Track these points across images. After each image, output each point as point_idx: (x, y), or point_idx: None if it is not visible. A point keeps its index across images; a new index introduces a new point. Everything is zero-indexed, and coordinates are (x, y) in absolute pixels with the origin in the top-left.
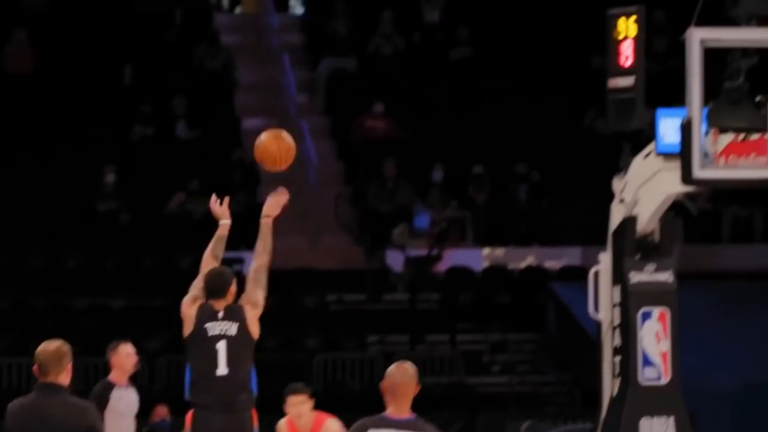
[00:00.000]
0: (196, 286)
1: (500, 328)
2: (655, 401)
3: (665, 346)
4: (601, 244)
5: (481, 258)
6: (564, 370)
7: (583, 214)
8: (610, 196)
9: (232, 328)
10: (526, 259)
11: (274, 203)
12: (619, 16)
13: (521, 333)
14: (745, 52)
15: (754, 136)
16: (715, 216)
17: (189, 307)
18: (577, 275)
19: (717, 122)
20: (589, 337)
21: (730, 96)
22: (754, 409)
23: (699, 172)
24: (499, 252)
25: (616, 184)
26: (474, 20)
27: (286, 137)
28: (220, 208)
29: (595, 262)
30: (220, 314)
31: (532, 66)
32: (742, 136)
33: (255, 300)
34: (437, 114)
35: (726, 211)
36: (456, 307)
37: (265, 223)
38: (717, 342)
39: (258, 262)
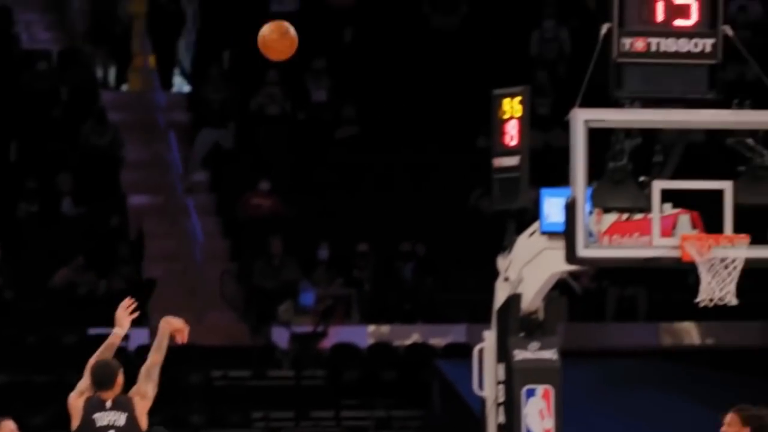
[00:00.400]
0: (83, 383)
1: (385, 405)
2: None
3: (549, 423)
4: (486, 321)
5: (366, 335)
6: None
7: (468, 291)
8: (494, 274)
9: (120, 419)
10: (412, 336)
11: (178, 323)
12: (504, 97)
13: (406, 410)
14: (628, 132)
15: (638, 216)
16: (599, 295)
17: (76, 400)
18: (462, 352)
19: (601, 202)
20: (474, 414)
21: (613, 176)
22: None
23: (583, 251)
24: (385, 329)
25: (501, 262)
26: (360, 99)
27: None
28: (124, 315)
29: (480, 339)
30: (108, 404)
31: (418, 145)
32: (625, 215)
33: (144, 392)
34: (323, 192)
35: (610, 290)
36: (341, 384)
37: (163, 326)
38: (601, 420)
39: (151, 359)
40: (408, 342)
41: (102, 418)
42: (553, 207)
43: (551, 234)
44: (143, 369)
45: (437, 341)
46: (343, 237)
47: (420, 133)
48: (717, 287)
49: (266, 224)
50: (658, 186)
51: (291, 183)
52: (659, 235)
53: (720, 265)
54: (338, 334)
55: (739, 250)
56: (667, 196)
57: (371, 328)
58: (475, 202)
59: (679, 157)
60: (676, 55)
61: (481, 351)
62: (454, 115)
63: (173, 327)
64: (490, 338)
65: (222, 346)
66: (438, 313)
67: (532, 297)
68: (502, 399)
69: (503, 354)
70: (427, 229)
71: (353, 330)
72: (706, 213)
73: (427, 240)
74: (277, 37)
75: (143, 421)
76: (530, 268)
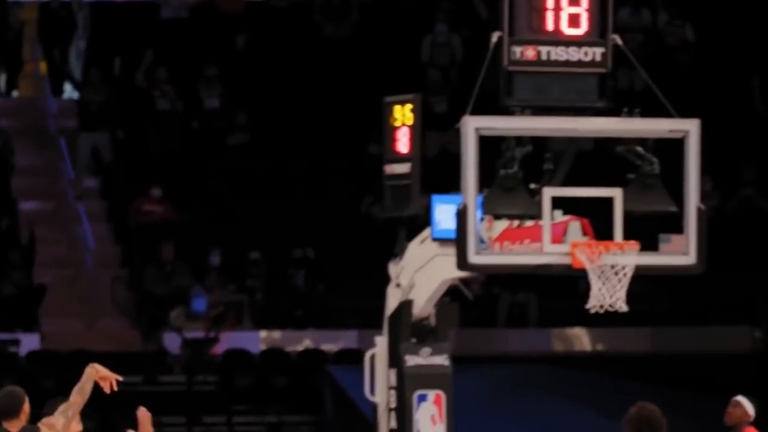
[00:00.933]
0: None
1: (277, 410)
2: None
3: (441, 429)
4: (378, 327)
5: (258, 341)
6: None
7: (360, 297)
8: (386, 281)
9: None
10: (303, 342)
11: (104, 371)
12: (395, 104)
13: (298, 415)
14: (519, 140)
15: (528, 223)
16: (490, 301)
17: None
18: (353, 358)
19: (492, 209)
20: (365, 420)
21: (504, 183)
22: None
23: (474, 258)
24: (277, 335)
25: (393, 268)
26: (252, 106)
27: None
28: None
29: (372, 345)
30: None
31: (310, 152)
32: (516, 222)
33: (52, 424)
34: (215, 198)
35: (501, 296)
36: (233, 390)
37: (89, 371)
38: (492, 425)
39: (72, 399)
40: (300, 348)
41: None
42: (444, 214)
43: (442, 240)
44: (62, 405)
45: (329, 347)
46: (234, 243)
47: (312, 140)
48: (607, 294)
49: (158, 230)
50: (549, 193)
51: (183, 189)
52: (550, 241)
53: (610, 271)
54: (230, 339)
55: (628, 257)
56: (558, 203)
57: (263, 333)
58: (367, 208)
59: (570, 164)
60: (566, 63)
61: (372, 357)
62: (345, 122)
63: (99, 375)
64: (381, 344)
65: (113, 351)
66: (330, 319)
67: (423, 303)
68: (393, 404)
69: (395, 360)
70: (318, 235)
71: (245, 336)
72: (597, 220)
73: (319, 246)
74: None
75: None
76: (422, 274)
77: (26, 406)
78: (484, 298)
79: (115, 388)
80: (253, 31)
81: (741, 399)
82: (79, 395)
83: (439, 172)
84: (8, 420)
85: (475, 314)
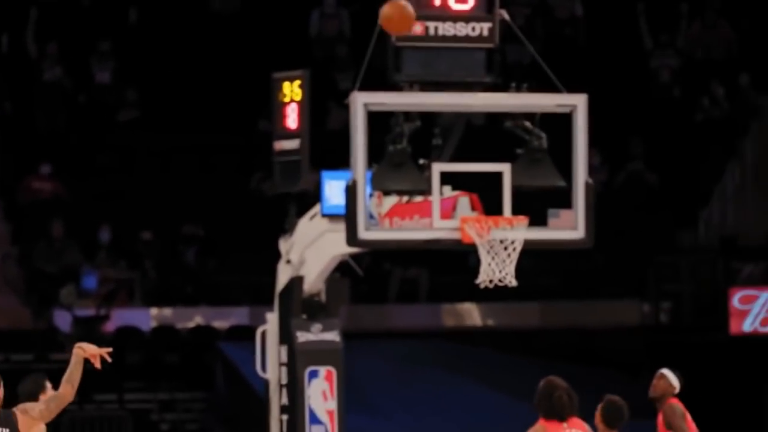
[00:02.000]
0: None
1: (169, 387)
2: None
3: (332, 404)
4: (269, 303)
5: (149, 318)
6: (233, 429)
7: (250, 274)
8: (277, 257)
9: None
10: (194, 319)
11: (95, 350)
12: (283, 80)
13: (190, 392)
14: (408, 115)
15: (418, 199)
16: (381, 277)
17: None
18: (245, 335)
19: (381, 185)
20: (257, 396)
21: (393, 159)
22: None
23: (364, 234)
24: (167, 312)
25: (283, 245)
26: (143, 82)
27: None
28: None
29: (263, 321)
30: None
31: (200, 128)
32: (406, 198)
33: (27, 409)
34: (104, 175)
35: (392, 271)
36: (124, 367)
37: (77, 353)
38: (385, 400)
39: (61, 390)
40: (191, 325)
41: None
42: (334, 190)
43: (332, 216)
44: (50, 393)
45: (220, 324)
46: (125, 220)
47: (202, 116)
48: (497, 268)
49: (47, 207)
50: (438, 168)
51: (72, 166)
52: (439, 217)
53: (499, 246)
54: (121, 317)
55: (517, 232)
56: (447, 178)
57: (154, 311)
58: (257, 185)
59: (458, 140)
60: (454, 38)
61: (263, 333)
62: (235, 98)
63: (88, 354)
64: (272, 320)
65: (4, 329)
66: (221, 296)
67: (314, 279)
68: (285, 380)
69: (286, 336)
70: (209, 212)
71: (136, 313)
72: (485, 195)
73: (209, 223)
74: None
75: None
76: (312, 250)
77: (1, 391)
78: (375, 274)
79: (108, 360)
80: (145, 5)
81: (666, 372)
82: (69, 385)
83: (345, 147)
84: None
85: (366, 290)
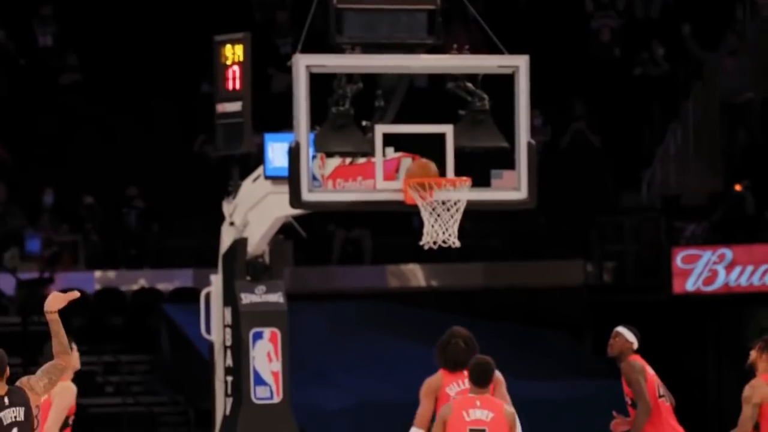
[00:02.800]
0: None
1: (113, 350)
2: (268, 420)
3: (277, 366)
4: (213, 266)
5: (93, 280)
6: (177, 391)
7: (194, 236)
8: (220, 219)
9: (20, 413)
10: (139, 281)
11: (60, 298)
12: (225, 43)
13: (134, 354)
14: (350, 77)
15: (361, 160)
16: (325, 238)
17: None
18: (189, 297)
19: (323, 147)
20: (202, 358)
21: (336, 121)
22: (365, 427)
23: (307, 195)
24: (111, 274)
25: (226, 207)
26: (84, 46)
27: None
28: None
29: (207, 283)
30: (6, 400)
31: (142, 92)
32: (349, 160)
33: (33, 386)
34: (47, 138)
35: (336, 233)
36: (68, 330)
37: (52, 318)
38: (329, 361)
39: (57, 360)
40: (135, 287)
41: (6, 416)
42: (276, 152)
43: (275, 178)
44: (47, 364)
45: (164, 286)
46: (67, 183)
47: (143, 79)
48: (440, 229)
49: None
50: (381, 130)
51: (14, 130)
52: (382, 178)
53: (442, 207)
54: (65, 280)
55: (460, 193)
56: (390, 140)
57: (98, 273)
58: (200, 147)
59: (401, 101)
60: (396, 0)
61: (208, 295)
62: (177, 61)
63: (58, 308)
64: (216, 282)
65: None
66: (164, 259)
67: (257, 241)
68: (229, 342)
69: (230, 298)
70: (151, 175)
71: (80, 276)
72: (428, 157)
73: (152, 186)
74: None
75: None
76: (255, 212)
77: (7, 369)
78: (318, 236)
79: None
80: None
81: (621, 329)
82: (65, 354)
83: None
84: None
85: (310, 252)
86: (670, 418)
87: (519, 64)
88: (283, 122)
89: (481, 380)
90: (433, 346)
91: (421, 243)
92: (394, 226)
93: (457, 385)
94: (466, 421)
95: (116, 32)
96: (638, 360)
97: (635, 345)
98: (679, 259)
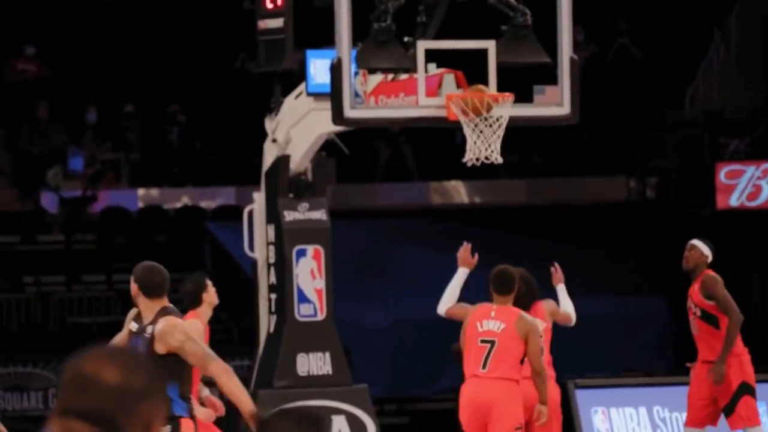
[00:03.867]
0: None
1: None
2: (311, 337)
3: (320, 283)
4: (256, 183)
5: (136, 199)
6: (221, 309)
7: (237, 154)
8: (263, 137)
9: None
10: (182, 199)
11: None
12: None
13: (177, 273)
14: None
15: (403, 76)
16: (368, 155)
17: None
18: (232, 215)
19: (365, 63)
20: (245, 275)
21: (378, 37)
22: (406, 344)
23: (349, 112)
24: (154, 192)
25: (269, 124)
26: None
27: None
28: None
29: (250, 201)
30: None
31: (184, 8)
32: (391, 76)
33: (167, 336)
34: (88, 55)
35: (379, 150)
36: (112, 248)
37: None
38: (371, 278)
39: (214, 365)
40: (178, 205)
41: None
42: (318, 68)
43: (317, 95)
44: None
45: (207, 204)
46: (110, 101)
47: None
48: (483, 146)
49: (32, 89)
50: (423, 46)
51: (56, 47)
52: (425, 94)
53: (484, 123)
54: (108, 198)
55: (503, 109)
56: (432, 56)
57: (141, 191)
58: (241, 64)
59: (443, 17)
60: None
61: (250, 212)
62: None
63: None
64: (259, 200)
65: None
66: (208, 176)
67: (300, 158)
68: (272, 260)
69: (273, 215)
70: (193, 92)
71: (123, 194)
72: (471, 73)
73: (194, 103)
74: None
75: (161, 347)
76: (297, 129)
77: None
78: (361, 153)
79: None
80: None
81: (696, 242)
82: (218, 366)
83: (330, 26)
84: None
85: (352, 169)
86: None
87: None
88: (325, 38)
89: (502, 288)
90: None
91: (464, 160)
92: (437, 142)
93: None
94: (479, 331)
95: None
96: (716, 274)
97: (710, 258)
98: (722, 174)
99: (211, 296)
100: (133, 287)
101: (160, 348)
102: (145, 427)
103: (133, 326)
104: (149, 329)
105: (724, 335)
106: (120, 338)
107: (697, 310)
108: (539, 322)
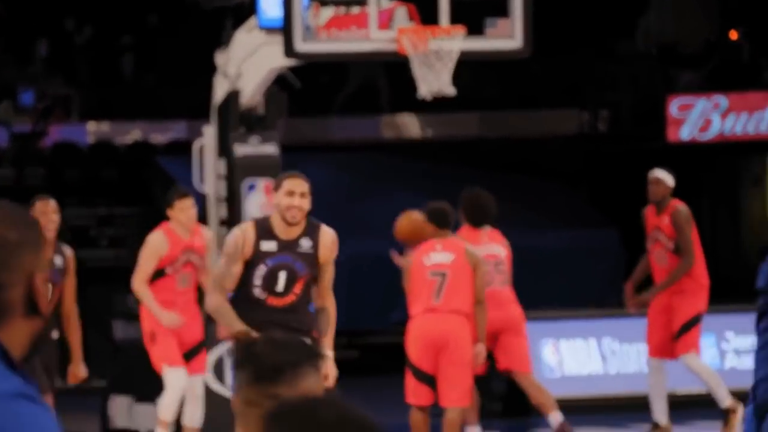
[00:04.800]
0: None
1: (107, 202)
2: None
3: None
4: (206, 117)
5: (86, 133)
6: None
7: (187, 87)
8: (213, 70)
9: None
10: (132, 133)
11: None
12: None
13: (128, 207)
14: None
15: (355, 10)
16: (319, 89)
17: None
18: (183, 149)
19: None
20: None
21: None
22: (359, 278)
23: (301, 46)
24: (105, 127)
25: (220, 58)
26: None
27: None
28: None
29: (201, 135)
30: None
31: None
32: (343, 9)
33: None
34: None
35: (330, 83)
36: (62, 183)
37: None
38: (324, 212)
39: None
40: (129, 139)
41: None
42: (270, 2)
43: (269, 29)
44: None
45: (158, 138)
46: (60, 33)
47: None
48: (434, 79)
49: None
50: None
51: None
52: (376, 28)
53: (435, 57)
54: (58, 132)
55: (454, 42)
56: None
57: (92, 126)
58: None
59: None
60: None
61: (201, 147)
62: None
63: None
64: (210, 134)
65: None
66: (158, 110)
67: (251, 92)
68: (223, 194)
69: (224, 149)
70: (147, 25)
71: (73, 128)
72: (423, 5)
73: (146, 36)
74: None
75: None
76: (249, 63)
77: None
78: (313, 87)
79: None
80: None
81: (661, 174)
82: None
83: None
84: None
85: (305, 103)
86: None
87: None
88: None
89: (442, 222)
90: (428, 197)
91: (416, 94)
92: (389, 76)
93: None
94: (426, 265)
95: None
96: (685, 206)
97: (673, 187)
98: (674, 107)
99: (175, 212)
100: None
101: None
102: (27, 277)
103: None
104: None
105: (694, 268)
106: None
107: (670, 243)
108: (498, 248)
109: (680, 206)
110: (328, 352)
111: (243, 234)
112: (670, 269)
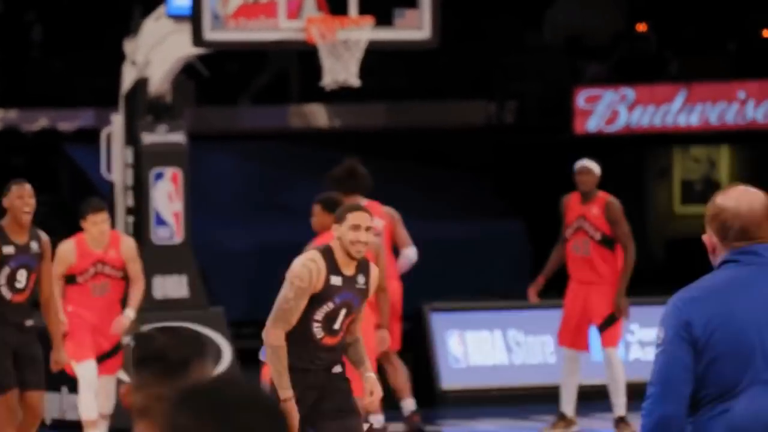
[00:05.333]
0: None
1: None
2: (168, 260)
3: (178, 206)
4: (115, 105)
5: None
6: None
7: (95, 75)
8: (122, 58)
9: None
10: (40, 121)
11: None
12: None
13: (35, 195)
14: None
15: (264, 0)
16: (228, 78)
17: None
18: (90, 137)
19: None
20: (103, 198)
21: None
22: (268, 267)
23: (209, 35)
24: (12, 114)
25: (128, 46)
26: None
27: None
28: None
29: (109, 123)
30: None
31: None
32: None
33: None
34: None
35: (239, 73)
36: None
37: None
38: (233, 202)
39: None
40: (36, 127)
41: None
42: None
43: (178, 17)
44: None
45: (66, 126)
46: None
47: None
48: (341, 69)
49: None
50: None
51: None
52: (285, 17)
53: (343, 47)
54: None
55: (363, 32)
56: None
57: None
58: None
59: None
60: None
61: (109, 135)
62: None
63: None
64: (118, 122)
65: None
66: (66, 98)
67: (159, 80)
68: (130, 183)
69: (131, 138)
70: (54, 11)
71: None
72: None
73: (54, 23)
74: None
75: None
76: (157, 51)
77: None
78: (222, 76)
79: None
80: None
81: (590, 165)
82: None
83: None
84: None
85: (213, 91)
86: None
87: None
88: None
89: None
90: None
91: (322, 84)
92: (300, 66)
93: None
94: None
95: None
96: (616, 198)
97: (599, 176)
98: (581, 98)
99: (87, 225)
100: None
101: None
102: None
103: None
104: None
105: (615, 259)
106: None
107: (596, 233)
108: (377, 220)
109: (612, 199)
110: (371, 374)
111: (317, 266)
112: (592, 259)
